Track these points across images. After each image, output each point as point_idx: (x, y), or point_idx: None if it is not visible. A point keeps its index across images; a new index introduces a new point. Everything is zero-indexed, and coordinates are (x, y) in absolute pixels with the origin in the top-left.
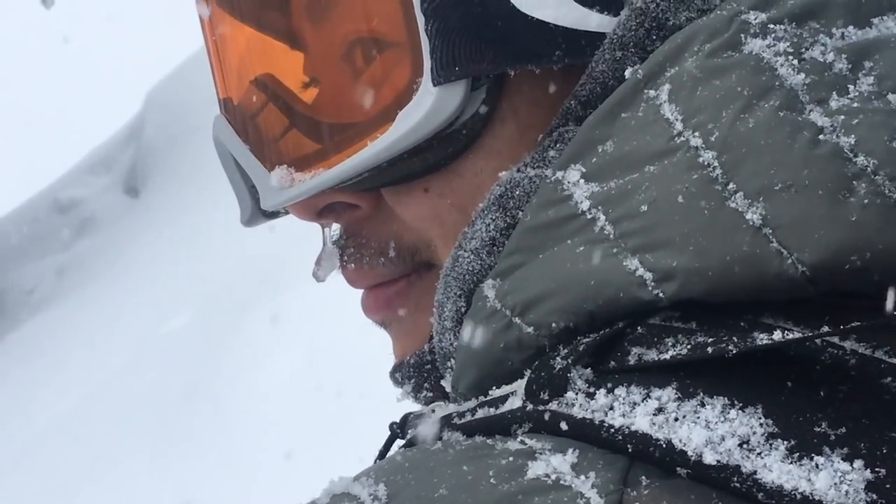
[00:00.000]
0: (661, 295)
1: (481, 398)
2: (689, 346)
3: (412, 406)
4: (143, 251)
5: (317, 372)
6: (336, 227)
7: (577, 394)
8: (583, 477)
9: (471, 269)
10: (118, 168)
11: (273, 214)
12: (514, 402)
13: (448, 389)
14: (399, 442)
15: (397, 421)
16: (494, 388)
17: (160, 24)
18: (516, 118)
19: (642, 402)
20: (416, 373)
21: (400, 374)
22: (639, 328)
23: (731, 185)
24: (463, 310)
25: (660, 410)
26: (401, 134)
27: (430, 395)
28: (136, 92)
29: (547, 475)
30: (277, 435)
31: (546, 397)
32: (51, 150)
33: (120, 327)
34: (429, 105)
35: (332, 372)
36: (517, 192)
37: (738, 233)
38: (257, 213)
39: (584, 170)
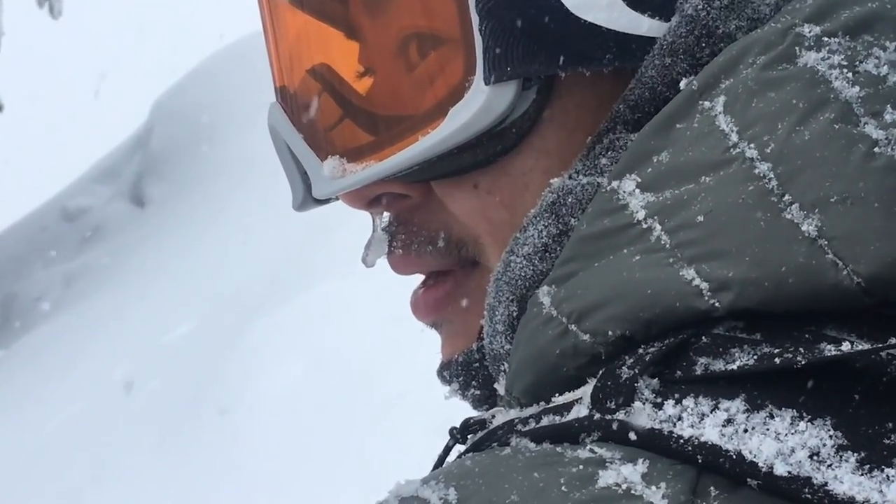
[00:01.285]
0: (717, 305)
1: (543, 405)
2: (755, 357)
3: (447, 413)
4: (148, 259)
5: (319, 380)
6: (386, 215)
7: (644, 403)
8: (653, 487)
9: (523, 274)
10: (125, 178)
11: (324, 201)
12: (581, 411)
13: (501, 392)
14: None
15: (457, 426)
16: (550, 393)
17: (165, 37)
18: (565, 120)
19: (711, 412)
20: (464, 371)
21: (448, 372)
22: (703, 338)
23: (786, 197)
24: (515, 314)
25: (729, 422)
26: (452, 130)
27: (478, 393)
28: (143, 103)
29: (618, 484)
30: (281, 442)
31: (613, 406)
32: (59, 160)
33: (126, 334)
34: (480, 103)
35: (334, 380)
36: (570, 200)
37: (794, 244)
38: (308, 199)
39: (639, 179)
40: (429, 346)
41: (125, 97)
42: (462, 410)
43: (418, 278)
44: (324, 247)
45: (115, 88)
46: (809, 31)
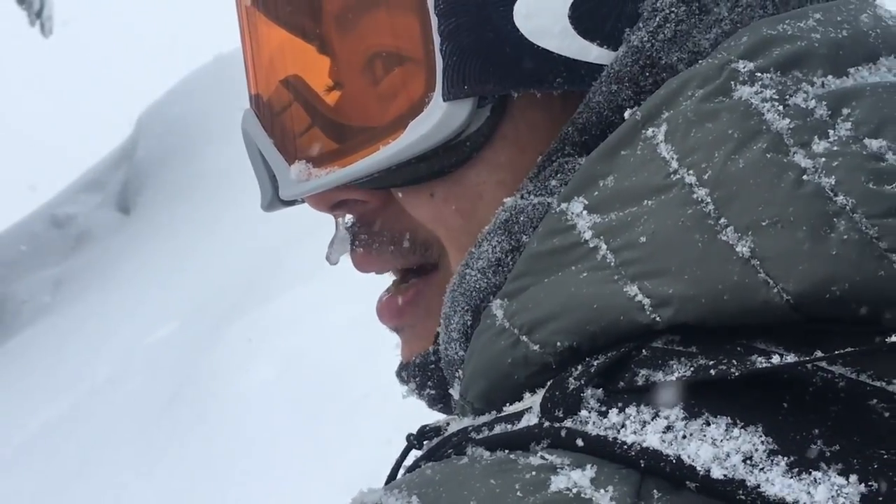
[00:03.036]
0: (658, 319)
1: (495, 413)
2: (692, 368)
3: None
4: (133, 265)
5: (290, 381)
6: (349, 216)
7: (590, 412)
8: (601, 490)
9: (477, 286)
10: (111, 187)
11: (290, 203)
12: (531, 419)
13: (455, 396)
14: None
15: (414, 433)
16: (502, 399)
17: (150, 51)
18: (517, 136)
19: (652, 420)
20: (421, 372)
21: (406, 372)
22: (644, 351)
23: (722, 220)
24: (469, 323)
25: (669, 428)
26: (411, 141)
27: (433, 392)
28: (129, 115)
29: (568, 489)
30: (254, 440)
31: (561, 415)
32: (49, 170)
33: (110, 336)
34: (438, 118)
35: (304, 382)
36: (521, 218)
37: (729, 263)
38: (276, 200)
39: (586, 202)
40: (390, 349)
41: (112, 110)
42: (420, 412)
43: (384, 282)
44: (296, 253)
45: (103, 102)
46: (744, 67)
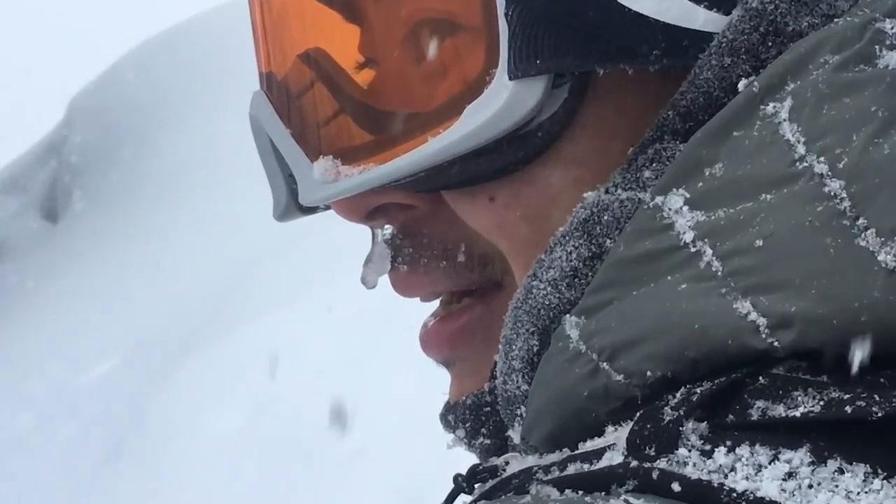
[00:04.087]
0: (776, 344)
1: (567, 451)
2: (822, 403)
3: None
4: (62, 285)
5: (263, 433)
6: (389, 226)
7: (690, 451)
8: None
9: (546, 302)
10: (35, 188)
11: (311, 209)
12: (614, 458)
13: (516, 440)
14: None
15: (463, 474)
16: (575, 442)
17: (85, 22)
18: (601, 125)
19: (769, 464)
20: (473, 416)
21: (454, 415)
22: (761, 378)
23: (860, 221)
24: (535, 349)
25: (791, 475)
26: (467, 131)
27: (488, 442)
28: (57, 100)
29: None
30: None
31: (653, 453)
32: None
33: (34, 375)
34: (502, 101)
35: (280, 434)
36: (605, 218)
37: (868, 276)
38: (293, 206)
39: (688, 195)
40: (396, 394)
41: (37, 95)
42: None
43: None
44: (271, 272)
45: (24, 81)
46: (892, 28)
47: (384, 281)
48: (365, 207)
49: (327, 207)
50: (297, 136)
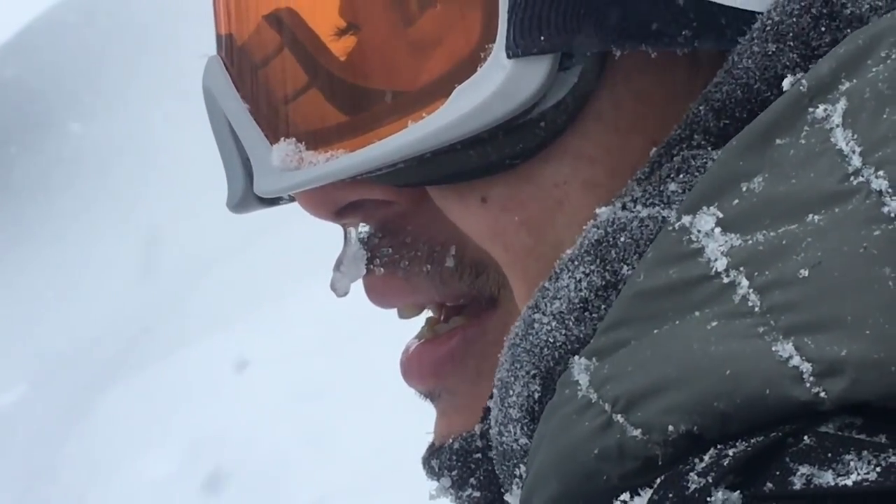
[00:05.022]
0: (823, 395)
1: None
2: (878, 469)
3: None
4: None
5: (200, 476)
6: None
7: None
8: None
9: (551, 340)
10: None
11: (272, 201)
12: None
13: None
14: None
15: None
16: None
17: None
18: (618, 117)
19: None
20: (461, 462)
21: (438, 461)
22: (805, 438)
23: None
24: (537, 395)
25: None
26: (455, 117)
27: (477, 496)
28: None
29: None
30: None
31: None
32: None
33: None
34: (498, 83)
35: (224, 479)
36: (622, 239)
37: None
38: (250, 196)
39: (720, 215)
40: (362, 429)
41: None
42: None
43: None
44: (206, 286)
45: None
46: None
47: (354, 293)
48: (335, 203)
49: (292, 199)
50: (255, 114)
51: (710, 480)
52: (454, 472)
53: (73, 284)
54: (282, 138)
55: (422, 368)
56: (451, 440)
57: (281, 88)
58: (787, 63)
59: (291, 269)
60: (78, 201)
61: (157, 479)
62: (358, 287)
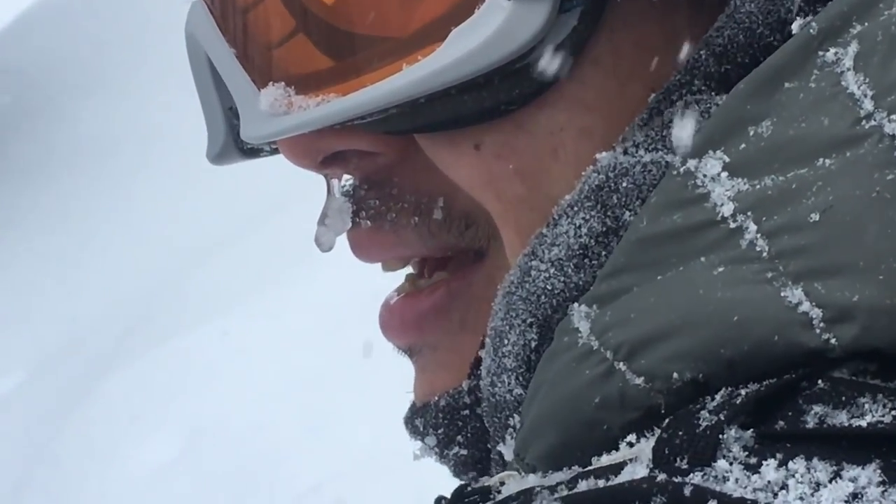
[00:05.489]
0: (833, 341)
1: (577, 468)
2: (895, 412)
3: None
4: None
5: (201, 464)
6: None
7: (731, 463)
8: None
9: (549, 287)
10: None
11: (253, 152)
12: (637, 471)
13: (507, 456)
14: None
15: (446, 497)
16: (582, 461)
17: None
18: (618, 62)
19: (830, 482)
20: (447, 420)
21: (422, 419)
22: (819, 382)
23: None
24: (534, 344)
25: (856, 496)
26: (451, 60)
27: (464, 453)
28: None
29: None
30: None
31: (686, 465)
32: None
33: None
34: (497, 24)
35: (222, 464)
36: (624, 184)
37: None
38: (231, 146)
39: (727, 159)
40: (361, 416)
41: None
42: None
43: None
44: (212, 271)
45: None
46: None
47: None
48: (320, 152)
49: (275, 151)
50: (242, 58)
51: (723, 418)
52: (440, 431)
53: (70, 272)
54: (270, 83)
55: (404, 322)
56: (436, 397)
57: (270, 32)
58: (791, 7)
59: (289, 255)
60: (75, 189)
61: (157, 465)
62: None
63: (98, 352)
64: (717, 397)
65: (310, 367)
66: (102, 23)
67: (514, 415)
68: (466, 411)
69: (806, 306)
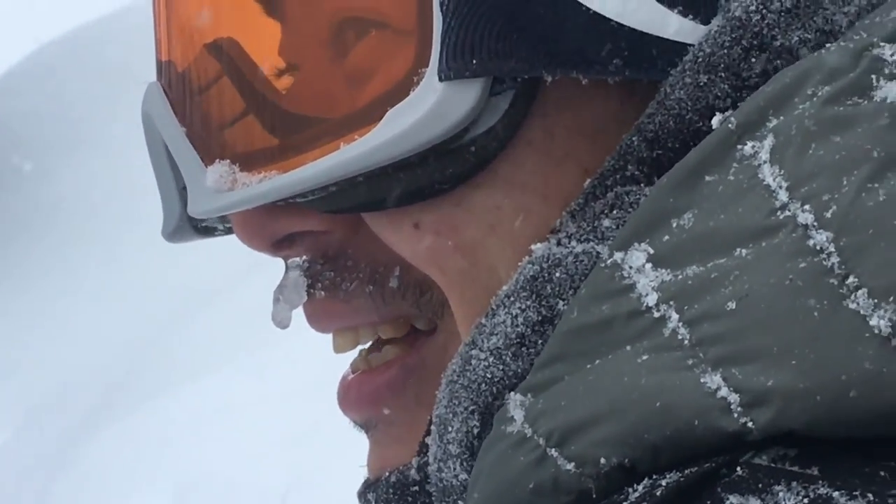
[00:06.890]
0: (750, 425)
1: None
2: (806, 500)
3: None
4: None
5: None
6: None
7: None
8: None
9: (488, 376)
10: None
11: (207, 231)
12: None
13: None
14: None
15: None
16: None
17: None
18: (550, 144)
19: None
20: (398, 496)
21: (375, 494)
22: (738, 469)
23: (850, 280)
24: (476, 431)
25: None
26: (386, 139)
27: None
28: None
29: None
30: None
31: None
32: None
33: None
34: (430, 105)
35: None
36: (557, 275)
37: (859, 343)
38: (185, 224)
39: (651, 251)
40: (350, 473)
41: None
42: None
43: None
44: (190, 330)
45: None
46: (892, 55)
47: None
48: (272, 234)
49: (229, 230)
50: (192, 137)
51: None
52: None
53: (56, 328)
54: (217, 160)
55: (360, 397)
56: (387, 473)
57: (218, 114)
58: (719, 94)
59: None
60: (60, 246)
61: None
62: None
63: (85, 408)
64: (640, 488)
65: (295, 424)
66: (88, 80)
67: (460, 500)
68: (416, 487)
69: (724, 391)
